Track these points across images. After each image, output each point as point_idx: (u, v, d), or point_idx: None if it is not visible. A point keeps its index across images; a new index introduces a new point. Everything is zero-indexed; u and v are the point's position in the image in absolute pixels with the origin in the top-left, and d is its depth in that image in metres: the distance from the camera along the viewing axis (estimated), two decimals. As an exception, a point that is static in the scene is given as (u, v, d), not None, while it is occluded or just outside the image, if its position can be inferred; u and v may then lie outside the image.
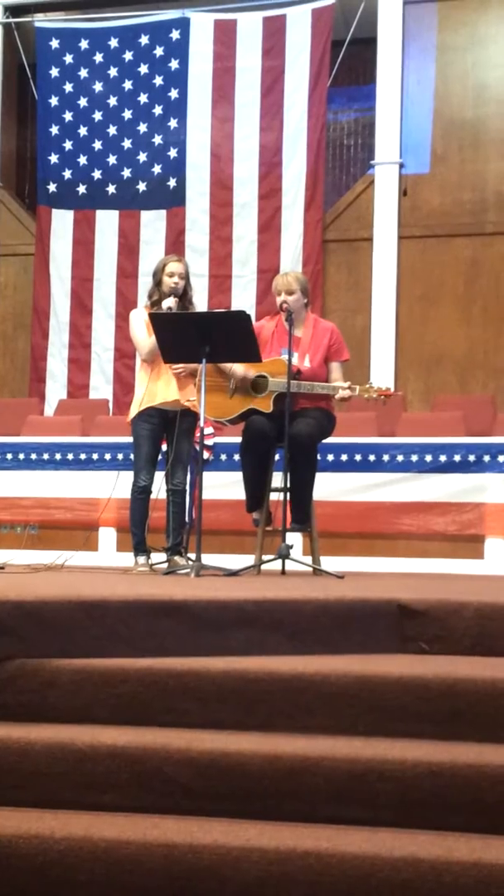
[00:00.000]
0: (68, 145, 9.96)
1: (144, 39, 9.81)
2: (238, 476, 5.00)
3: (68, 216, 9.94)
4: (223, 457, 6.73)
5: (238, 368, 4.82)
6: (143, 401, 4.96)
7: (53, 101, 10.01)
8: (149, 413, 4.96)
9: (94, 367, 9.78)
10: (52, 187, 9.99)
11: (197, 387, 4.67)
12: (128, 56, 9.84)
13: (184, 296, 5.01)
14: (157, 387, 4.94)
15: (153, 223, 9.74)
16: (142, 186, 9.78)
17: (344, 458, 6.74)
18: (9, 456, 7.32)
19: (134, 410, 5.02)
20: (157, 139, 9.75)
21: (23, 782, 2.29)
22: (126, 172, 9.82)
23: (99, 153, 9.88)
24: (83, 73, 9.94)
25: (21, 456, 7.31)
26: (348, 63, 9.55)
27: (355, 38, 9.38)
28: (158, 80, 9.77)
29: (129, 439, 5.16)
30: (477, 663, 2.56)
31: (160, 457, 5.08)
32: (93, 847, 2.06)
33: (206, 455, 6.43)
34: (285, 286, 4.87)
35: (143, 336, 4.95)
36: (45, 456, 7.27)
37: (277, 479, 4.79)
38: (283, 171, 9.44)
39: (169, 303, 4.90)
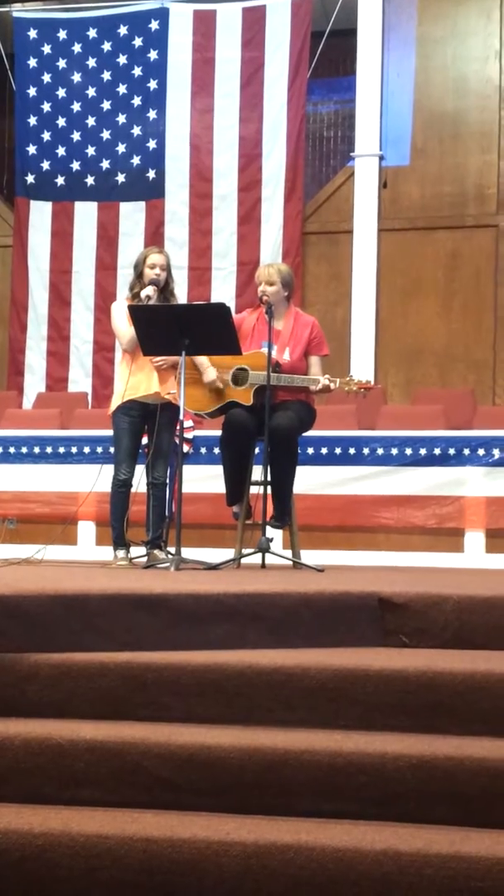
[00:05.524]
0: (46, 136, 9.88)
1: (123, 30, 9.74)
2: (218, 469, 4.99)
3: (46, 208, 9.87)
4: (203, 450, 6.71)
5: (211, 373, 4.80)
6: (124, 393, 4.93)
7: (31, 91, 9.93)
8: (129, 406, 4.93)
9: (72, 360, 9.72)
10: (30, 178, 9.91)
11: (177, 379, 4.65)
12: (106, 46, 9.77)
13: (165, 287, 4.98)
14: (139, 379, 4.91)
15: (132, 215, 9.69)
16: (121, 178, 9.72)
17: (324, 451, 6.74)
18: (-13, 449, 7.28)
19: (115, 403, 4.99)
20: (136, 130, 9.69)
21: (0, 777, 2.27)
22: (105, 164, 9.75)
23: (77, 144, 9.81)
24: (61, 63, 9.86)
25: (-1, 449, 7.27)
26: (328, 54, 9.51)
27: (335, 30, 9.34)
28: (137, 71, 9.70)
29: (109, 433, 5.13)
30: (457, 656, 2.57)
31: (140, 450, 5.06)
32: (71, 842, 2.05)
33: (185, 448, 6.41)
34: (266, 277, 4.85)
35: (124, 327, 4.91)
36: (24, 449, 7.22)
37: (257, 472, 4.78)
38: (262, 162, 9.40)
39: (147, 291, 4.87)
